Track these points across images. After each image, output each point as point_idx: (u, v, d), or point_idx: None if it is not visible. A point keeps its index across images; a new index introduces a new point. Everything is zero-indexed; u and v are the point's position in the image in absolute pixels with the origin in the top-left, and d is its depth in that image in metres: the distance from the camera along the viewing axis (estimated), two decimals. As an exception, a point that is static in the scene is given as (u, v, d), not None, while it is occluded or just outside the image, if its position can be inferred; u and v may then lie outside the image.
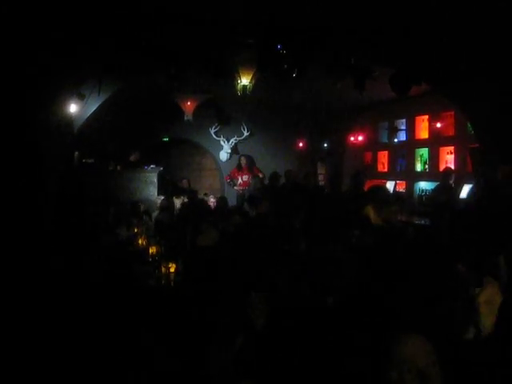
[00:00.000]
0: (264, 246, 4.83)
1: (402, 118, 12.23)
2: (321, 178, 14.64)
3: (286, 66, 6.87)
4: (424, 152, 11.60)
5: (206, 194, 11.69)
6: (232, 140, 13.46)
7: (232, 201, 11.47)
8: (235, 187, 13.13)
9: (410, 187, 11.79)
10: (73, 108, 8.26)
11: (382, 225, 5.94)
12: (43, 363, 3.42)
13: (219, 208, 9.13)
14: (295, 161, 13.81)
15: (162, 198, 9.90)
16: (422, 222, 8.69)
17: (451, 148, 10.79)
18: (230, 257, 4.54)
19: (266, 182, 11.42)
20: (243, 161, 13.21)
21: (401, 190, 12.03)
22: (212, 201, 10.94)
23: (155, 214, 9.19)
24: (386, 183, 11.97)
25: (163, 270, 5.12)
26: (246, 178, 13.02)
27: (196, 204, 9.12)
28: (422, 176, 11.56)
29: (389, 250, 4.68)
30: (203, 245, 5.47)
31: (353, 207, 6.99)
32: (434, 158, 11.19)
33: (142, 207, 9.53)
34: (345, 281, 3.39)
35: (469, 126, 9.66)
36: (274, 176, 10.78)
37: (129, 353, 3.31)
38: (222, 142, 13.46)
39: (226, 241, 5.48)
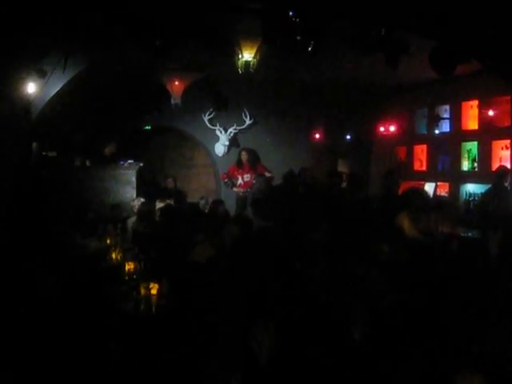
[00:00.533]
0: (272, 264, 4.85)
1: (446, 104, 12.23)
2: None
3: (299, 37, 6.88)
4: (472, 147, 11.60)
5: (202, 199, 11.67)
6: (231, 130, 13.48)
7: (230, 205, 11.47)
8: (234, 188, 13.13)
9: (454, 190, 11.79)
10: (31, 88, 8.26)
11: (419, 237, 5.95)
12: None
13: (214, 214, 9.13)
14: (310, 157, 13.83)
15: (142, 201, 9.92)
16: (470, 234, 8.68)
17: (507, 142, 10.78)
18: (229, 277, 4.56)
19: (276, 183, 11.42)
20: (244, 156, 13.19)
21: (443, 194, 12.03)
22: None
23: (132, 220, 9.20)
24: (424, 185, 11.97)
25: (143, 291, 5.17)
26: (247, 177, 12.99)
27: (184, 209, 9.13)
28: (470, 177, 11.55)
29: (427, 268, 4.68)
30: (197, 261, 5.49)
31: (383, 215, 7.00)
32: (484, 155, 11.19)
33: (124, 213, 9.56)
34: (373, 307, 3.40)
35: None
36: (291, 175, 10.77)
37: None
38: (218, 132, 13.48)
39: (225, 257, 5.50)
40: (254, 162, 13.24)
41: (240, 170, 13.18)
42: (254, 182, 12.12)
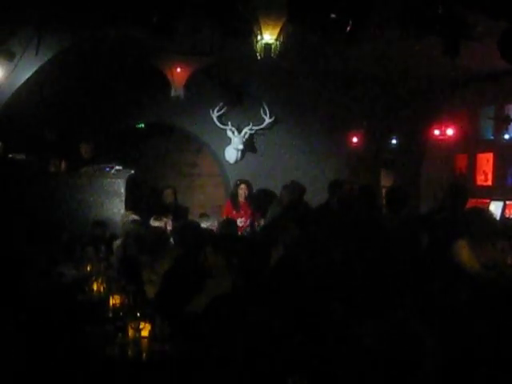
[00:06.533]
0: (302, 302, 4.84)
1: (518, 102, 12.20)
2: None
3: (334, 15, 6.88)
4: (553, 157, 11.56)
5: (202, 216, 11.52)
6: (246, 130, 13.44)
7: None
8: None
9: (528, 212, 11.73)
10: (-4, 74, 8.34)
11: (482, 272, 5.91)
12: None
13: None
14: (346, 166, 13.80)
15: (133, 218, 9.91)
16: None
17: None
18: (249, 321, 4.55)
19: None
20: (242, 190, 11.83)
21: (513, 217, 11.96)
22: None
23: (118, 242, 9.18)
24: (489, 205, 11.89)
25: (131, 332, 5.15)
26: (241, 222, 11.36)
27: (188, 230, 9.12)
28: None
29: (494, 313, 4.64)
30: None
31: (435, 242, 6.94)
32: None
33: (109, 233, 9.56)
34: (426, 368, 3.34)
35: None
36: (294, 188, 10.54)
37: None
38: (229, 133, 13.45)
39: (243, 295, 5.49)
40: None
41: (235, 212, 11.65)
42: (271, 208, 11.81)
